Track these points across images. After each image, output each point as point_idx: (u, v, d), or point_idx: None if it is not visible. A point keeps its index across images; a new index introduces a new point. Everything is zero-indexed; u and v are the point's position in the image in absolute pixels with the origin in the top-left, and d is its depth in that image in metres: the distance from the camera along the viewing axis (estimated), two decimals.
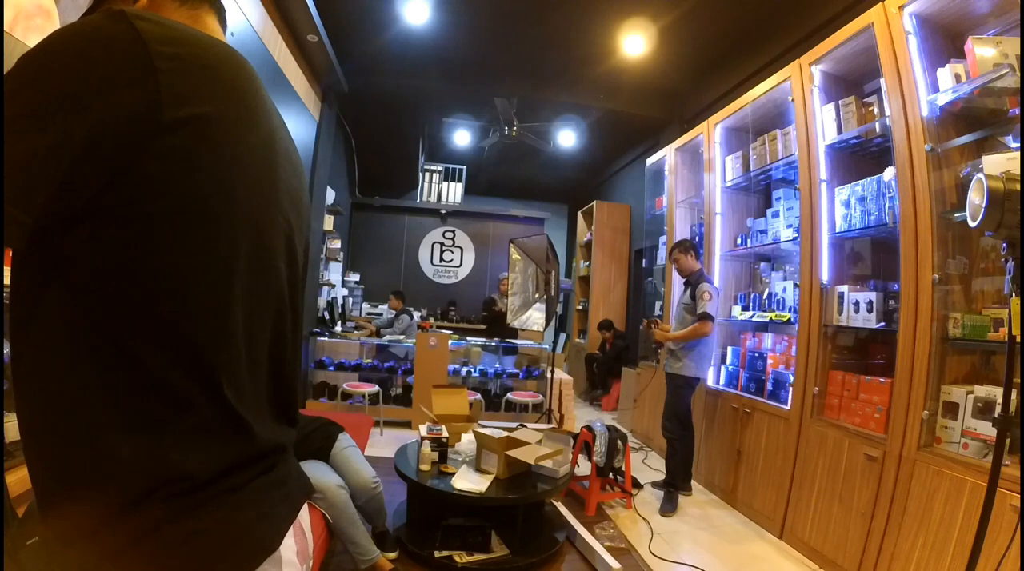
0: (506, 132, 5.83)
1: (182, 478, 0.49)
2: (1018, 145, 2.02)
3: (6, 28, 1.33)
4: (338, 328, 5.51)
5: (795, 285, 3.01)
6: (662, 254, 4.65)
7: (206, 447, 0.52)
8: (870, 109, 2.59)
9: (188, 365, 0.51)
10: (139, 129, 0.48)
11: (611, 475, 3.15)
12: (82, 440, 0.47)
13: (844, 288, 2.61)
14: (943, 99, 2.12)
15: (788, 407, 2.84)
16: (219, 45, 0.57)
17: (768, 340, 3.28)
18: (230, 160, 0.55)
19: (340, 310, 6.06)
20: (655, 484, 3.45)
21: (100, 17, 0.49)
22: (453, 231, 8.44)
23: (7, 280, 0.51)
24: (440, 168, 8.14)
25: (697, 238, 4.09)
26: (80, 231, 0.47)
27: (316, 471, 2.00)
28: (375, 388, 4.55)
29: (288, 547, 0.59)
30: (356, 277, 7.24)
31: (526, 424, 3.22)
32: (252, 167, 0.58)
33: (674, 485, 3.24)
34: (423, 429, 2.66)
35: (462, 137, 7.07)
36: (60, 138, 0.45)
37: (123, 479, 0.47)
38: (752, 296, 3.51)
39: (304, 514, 0.67)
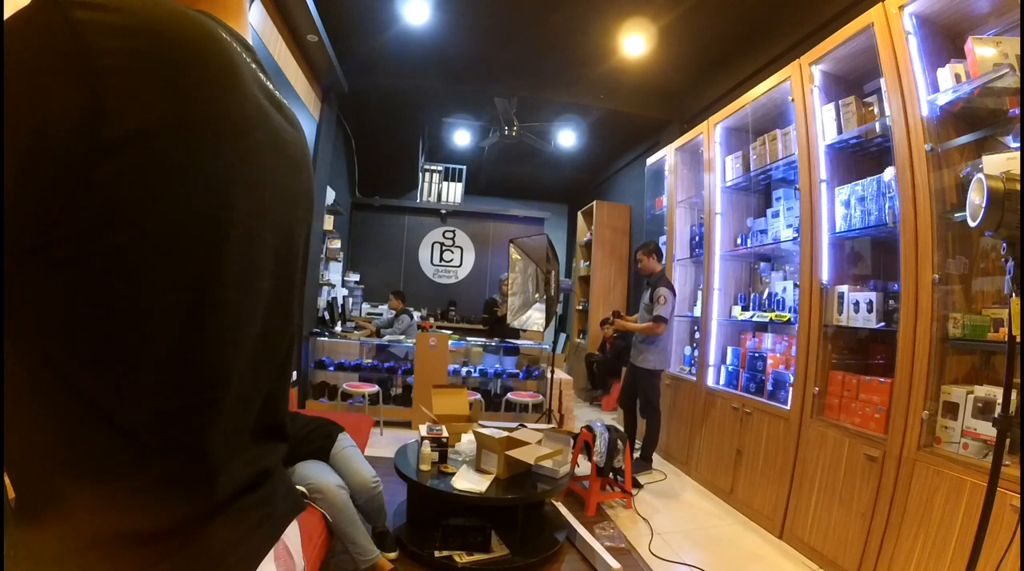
0: (506, 132, 5.83)
1: (135, 529, 0.46)
2: (1018, 145, 2.02)
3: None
4: (338, 328, 5.50)
5: (795, 285, 3.01)
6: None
7: (167, 497, 0.47)
8: (870, 109, 2.59)
9: (150, 413, 0.46)
10: (76, 150, 0.39)
11: (611, 475, 3.15)
12: (37, 482, 0.45)
13: (844, 288, 2.61)
14: (943, 99, 2.12)
15: (788, 407, 2.84)
16: (188, 25, 0.46)
17: (768, 340, 3.28)
18: (199, 179, 0.46)
19: (340, 310, 6.06)
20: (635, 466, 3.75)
21: (31, 6, 0.39)
22: (453, 231, 8.43)
23: None
24: (440, 168, 8.14)
25: (697, 238, 4.09)
26: (28, 271, 0.41)
27: (316, 471, 2.01)
28: (375, 388, 4.55)
29: None
30: (356, 277, 7.24)
31: (526, 424, 3.22)
32: (228, 181, 0.48)
33: (647, 457, 3.80)
34: (423, 429, 2.66)
35: (462, 137, 7.07)
36: None
37: (72, 524, 0.44)
38: (752, 296, 3.51)
39: (294, 533, 0.62)
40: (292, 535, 0.61)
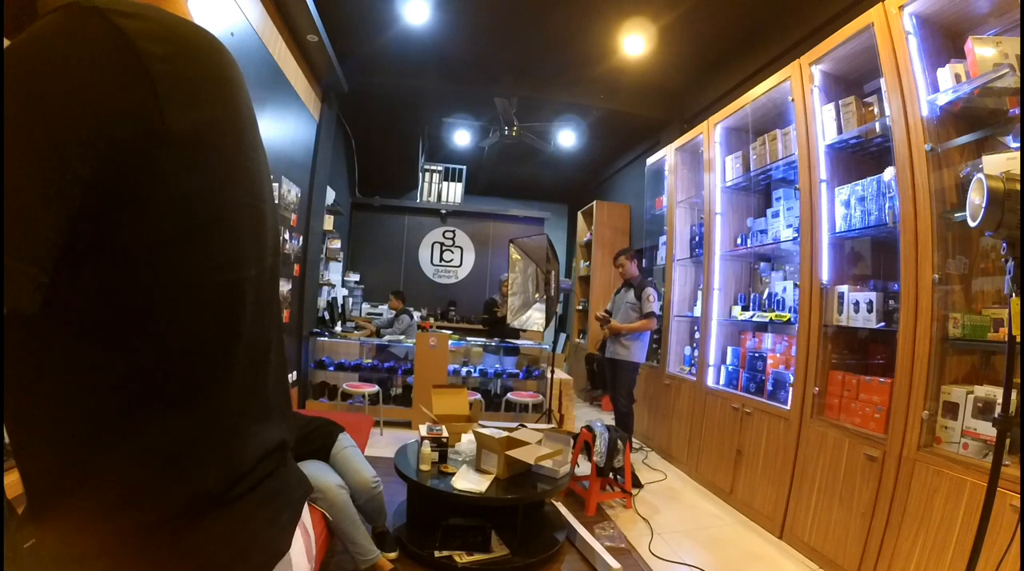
0: (506, 132, 5.83)
1: (191, 497, 0.48)
2: (1018, 145, 2.02)
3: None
4: (338, 328, 5.50)
5: (795, 285, 3.01)
6: (662, 254, 4.65)
7: (215, 465, 0.51)
8: (870, 109, 2.59)
9: (199, 392, 0.50)
10: (142, 146, 0.42)
11: (611, 475, 3.15)
12: (87, 466, 0.46)
13: (844, 288, 2.61)
14: (943, 99, 2.12)
15: (788, 407, 2.84)
16: (202, 33, 0.51)
17: (768, 340, 3.27)
18: (232, 167, 0.52)
19: (340, 310, 6.06)
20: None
21: (70, 16, 0.41)
22: (453, 231, 8.43)
23: None
24: (440, 168, 8.14)
25: (697, 238, 4.09)
26: (82, 271, 0.42)
27: (316, 471, 2.01)
28: (375, 388, 4.55)
29: (297, 550, 0.59)
30: (356, 277, 7.24)
31: (526, 424, 3.22)
32: (247, 169, 0.55)
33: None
34: (423, 429, 2.66)
35: (462, 137, 7.07)
36: (59, 174, 0.39)
37: (130, 504, 0.46)
38: (752, 296, 3.51)
39: (304, 512, 0.68)
40: (304, 513, 0.68)
